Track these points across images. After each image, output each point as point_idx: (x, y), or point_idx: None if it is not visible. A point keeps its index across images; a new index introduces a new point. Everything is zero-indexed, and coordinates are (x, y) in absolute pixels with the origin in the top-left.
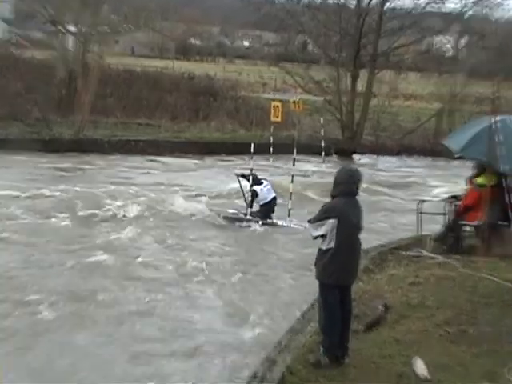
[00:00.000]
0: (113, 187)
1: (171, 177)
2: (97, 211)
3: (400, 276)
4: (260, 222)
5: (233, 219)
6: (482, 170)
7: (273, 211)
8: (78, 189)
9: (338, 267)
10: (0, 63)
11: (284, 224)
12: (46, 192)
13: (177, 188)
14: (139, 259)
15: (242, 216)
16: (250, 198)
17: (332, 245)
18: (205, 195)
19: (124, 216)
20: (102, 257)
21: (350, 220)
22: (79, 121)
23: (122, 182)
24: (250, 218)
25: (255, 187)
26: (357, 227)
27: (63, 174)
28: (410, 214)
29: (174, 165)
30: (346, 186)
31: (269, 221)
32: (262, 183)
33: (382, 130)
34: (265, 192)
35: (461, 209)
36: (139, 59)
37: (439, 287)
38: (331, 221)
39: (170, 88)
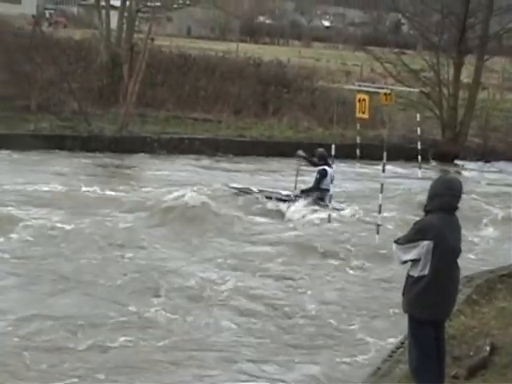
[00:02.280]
0: None
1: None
2: None
3: None
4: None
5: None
6: None
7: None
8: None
9: (433, 299)
10: (29, 44)
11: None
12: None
13: None
14: None
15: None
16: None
17: (426, 272)
18: None
19: None
20: None
21: (448, 242)
22: (123, 114)
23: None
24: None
25: (326, 167)
26: (456, 250)
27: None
28: None
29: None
30: (444, 200)
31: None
32: (331, 166)
33: (492, 130)
34: (331, 177)
35: None
36: (196, 41)
37: None
38: (426, 243)
39: (232, 76)
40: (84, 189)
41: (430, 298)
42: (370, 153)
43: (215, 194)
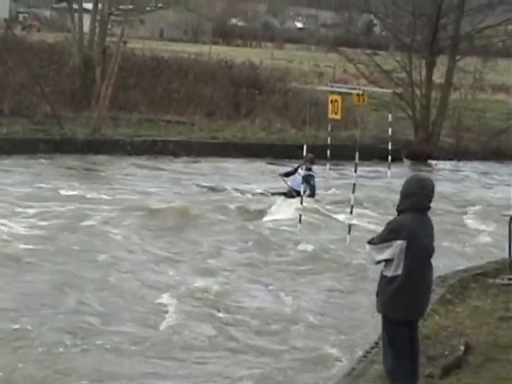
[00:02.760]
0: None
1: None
2: None
3: (486, 309)
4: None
5: None
6: None
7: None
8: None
9: (407, 299)
10: (1, 47)
11: None
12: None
13: None
14: None
15: None
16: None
17: (399, 272)
18: None
19: None
20: None
21: (421, 241)
22: (96, 117)
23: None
24: None
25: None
26: (429, 250)
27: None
28: (500, 233)
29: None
30: (416, 200)
31: None
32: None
33: (464, 130)
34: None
35: None
36: (169, 44)
37: None
38: (399, 242)
39: (205, 78)
40: (55, 191)
41: (404, 298)
42: (343, 153)
43: (189, 195)
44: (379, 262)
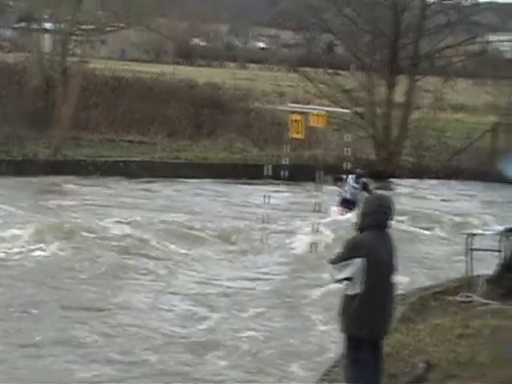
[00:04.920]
0: None
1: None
2: None
3: (446, 326)
4: None
5: None
6: None
7: None
8: None
9: (370, 317)
10: None
11: None
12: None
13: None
14: None
15: None
16: None
17: (360, 289)
18: None
19: None
20: None
21: (381, 259)
22: (57, 138)
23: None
24: None
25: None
26: (389, 267)
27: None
28: (458, 251)
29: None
30: (376, 217)
31: None
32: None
33: (425, 150)
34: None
35: None
36: (131, 64)
37: (494, 340)
38: (359, 260)
39: (167, 99)
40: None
41: (367, 316)
42: (306, 173)
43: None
44: (340, 281)
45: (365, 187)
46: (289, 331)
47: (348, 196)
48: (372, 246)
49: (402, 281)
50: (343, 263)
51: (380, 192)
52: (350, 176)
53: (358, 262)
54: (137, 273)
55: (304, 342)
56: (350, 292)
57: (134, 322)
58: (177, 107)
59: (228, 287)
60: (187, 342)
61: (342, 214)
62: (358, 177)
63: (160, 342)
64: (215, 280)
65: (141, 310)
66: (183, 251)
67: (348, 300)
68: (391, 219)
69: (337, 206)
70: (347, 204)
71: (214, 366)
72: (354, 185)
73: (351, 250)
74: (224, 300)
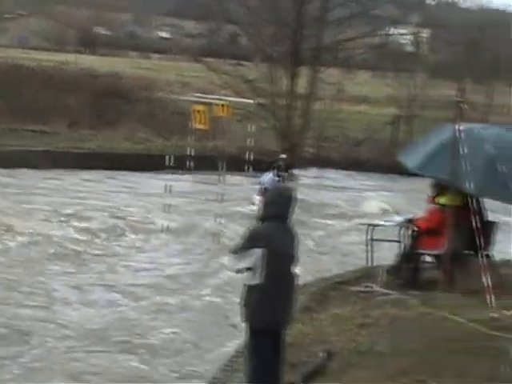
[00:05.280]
0: None
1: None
2: None
3: (346, 316)
4: None
5: None
6: (442, 188)
7: None
8: None
9: (270, 307)
10: None
11: None
12: None
13: None
14: None
15: None
16: None
17: (260, 280)
18: None
19: None
20: None
21: (280, 249)
22: None
23: None
24: None
25: None
26: (289, 257)
27: None
28: (358, 242)
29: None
30: (276, 208)
31: None
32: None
33: (326, 141)
34: None
35: (421, 231)
36: (32, 52)
37: (393, 329)
38: (258, 250)
39: (69, 88)
40: None
41: (267, 307)
42: (209, 163)
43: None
44: (240, 271)
45: (284, 178)
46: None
47: (268, 187)
48: (271, 237)
49: (307, 271)
50: (243, 253)
51: (282, 184)
52: (272, 167)
53: (257, 252)
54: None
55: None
56: (251, 282)
57: None
58: (79, 97)
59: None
60: None
61: None
62: (279, 168)
63: None
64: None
65: None
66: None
67: (249, 290)
68: (292, 210)
69: (259, 196)
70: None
71: None
72: (275, 177)
73: (251, 240)
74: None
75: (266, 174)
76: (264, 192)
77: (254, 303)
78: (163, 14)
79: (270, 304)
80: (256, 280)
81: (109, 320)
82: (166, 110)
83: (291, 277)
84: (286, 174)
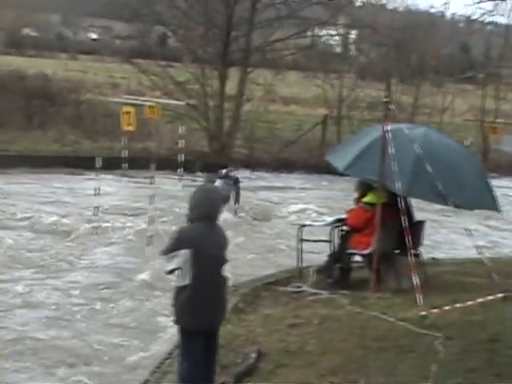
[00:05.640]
0: None
1: None
2: None
3: (277, 316)
4: None
5: None
6: (367, 187)
7: None
8: None
9: (199, 308)
10: None
11: None
12: None
13: None
14: None
15: None
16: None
17: (188, 281)
18: None
19: None
20: None
21: (207, 250)
22: None
23: None
24: None
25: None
26: (217, 259)
27: None
28: (289, 242)
29: None
30: (203, 209)
31: None
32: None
33: (256, 142)
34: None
35: (349, 229)
36: None
37: (323, 329)
38: (184, 251)
39: None
40: None
41: (196, 308)
42: (138, 165)
43: None
44: (171, 272)
45: (235, 182)
46: None
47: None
48: (197, 238)
49: (238, 271)
50: (171, 254)
51: (210, 184)
52: (223, 171)
53: (184, 254)
54: None
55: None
56: (180, 283)
57: None
58: (6, 98)
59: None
60: None
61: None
62: (230, 173)
63: None
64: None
65: None
66: None
67: (178, 291)
68: (220, 211)
69: None
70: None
71: None
72: (227, 180)
73: (177, 242)
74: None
75: (218, 180)
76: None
77: (184, 304)
78: (92, 16)
79: (199, 305)
80: (184, 281)
81: None
82: (95, 111)
83: (220, 278)
84: (239, 180)
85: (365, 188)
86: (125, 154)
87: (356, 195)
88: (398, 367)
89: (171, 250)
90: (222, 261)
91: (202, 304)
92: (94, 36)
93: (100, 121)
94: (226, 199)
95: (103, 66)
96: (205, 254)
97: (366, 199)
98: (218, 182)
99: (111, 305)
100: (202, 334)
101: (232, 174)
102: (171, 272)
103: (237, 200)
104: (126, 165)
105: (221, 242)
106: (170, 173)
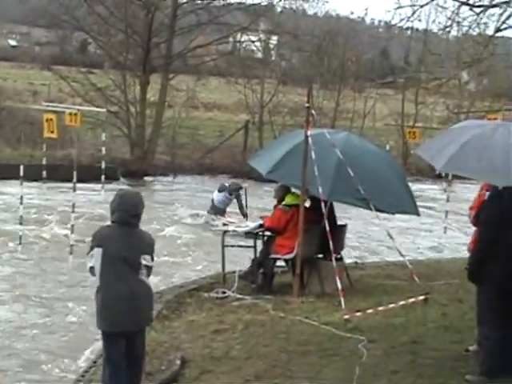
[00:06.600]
0: None
1: None
2: None
3: (201, 323)
4: None
5: None
6: (286, 190)
7: None
8: None
9: (108, 309)
10: None
11: None
12: None
13: None
14: None
15: None
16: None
17: (99, 281)
18: None
19: None
20: None
21: (116, 252)
22: None
23: None
24: None
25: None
26: (127, 260)
27: None
28: (215, 248)
29: None
30: (117, 214)
31: None
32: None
33: (179, 148)
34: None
35: (267, 230)
36: None
37: (247, 334)
38: (97, 250)
39: None
40: None
41: (106, 309)
42: (60, 173)
43: None
44: (91, 269)
45: (237, 197)
46: None
47: (217, 204)
48: (106, 238)
49: (168, 279)
50: (90, 253)
51: (126, 190)
52: (225, 186)
53: (97, 252)
54: None
55: None
56: (97, 283)
57: None
58: None
59: None
60: None
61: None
62: (235, 189)
63: None
64: None
65: None
66: None
67: (96, 292)
68: (137, 216)
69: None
70: (217, 210)
71: None
72: (227, 195)
73: (93, 240)
74: None
75: (219, 193)
76: (212, 208)
77: (97, 306)
78: (11, 22)
79: (109, 306)
80: (97, 281)
81: None
82: (14, 118)
83: (135, 281)
84: (239, 191)
85: (284, 192)
86: (46, 161)
87: (275, 197)
88: (323, 371)
89: (90, 248)
90: (135, 264)
91: (111, 305)
92: (14, 43)
93: (20, 128)
94: (222, 212)
95: (23, 72)
96: (112, 254)
97: (285, 201)
98: (216, 195)
99: None
100: (121, 337)
101: (232, 186)
102: (91, 270)
103: (242, 212)
104: (43, 172)
105: (134, 246)
106: (91, 180)
